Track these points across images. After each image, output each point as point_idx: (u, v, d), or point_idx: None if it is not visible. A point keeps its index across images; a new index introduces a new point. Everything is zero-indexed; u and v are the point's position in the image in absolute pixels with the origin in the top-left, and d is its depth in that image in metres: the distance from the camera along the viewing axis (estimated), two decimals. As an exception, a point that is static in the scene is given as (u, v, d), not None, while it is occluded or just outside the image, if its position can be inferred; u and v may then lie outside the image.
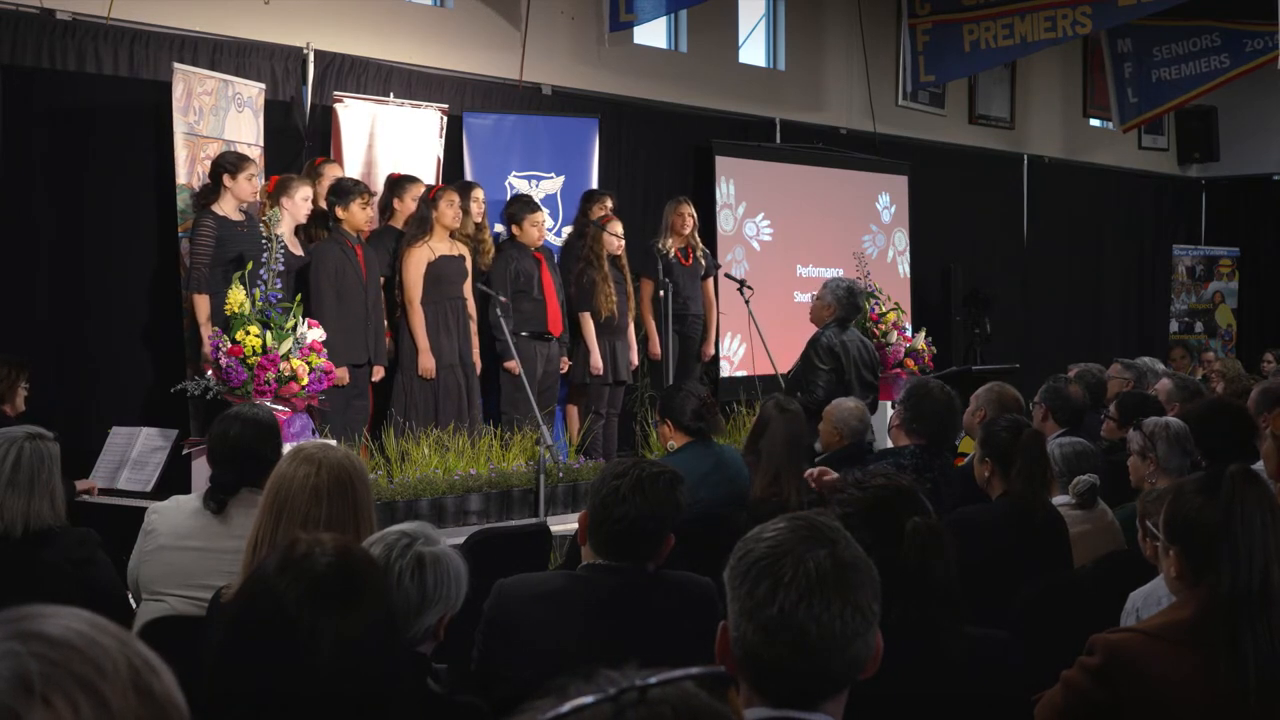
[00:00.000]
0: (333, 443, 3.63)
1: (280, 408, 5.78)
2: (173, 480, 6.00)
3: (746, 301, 7.92)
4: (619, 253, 8.08)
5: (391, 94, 8.29)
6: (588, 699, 0.93)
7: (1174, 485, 2.85)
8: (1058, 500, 4.27)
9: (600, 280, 7.89)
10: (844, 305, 7.06)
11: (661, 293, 8.02)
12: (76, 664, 0.90)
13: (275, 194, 6.74)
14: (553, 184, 8.80)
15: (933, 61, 11.66)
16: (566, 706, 0.92)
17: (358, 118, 7.90)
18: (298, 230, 6.89)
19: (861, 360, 7.11)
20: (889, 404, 7.53)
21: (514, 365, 7.24)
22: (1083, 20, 10.84)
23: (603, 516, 2.97)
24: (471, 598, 2.62)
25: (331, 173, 7.30)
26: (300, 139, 8.00)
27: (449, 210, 7.15)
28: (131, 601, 3.71)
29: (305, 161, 7.62)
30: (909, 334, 9.36)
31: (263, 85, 7.57)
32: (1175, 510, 2.52)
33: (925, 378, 5.34)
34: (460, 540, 4.32)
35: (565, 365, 7.92)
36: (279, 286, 6.17)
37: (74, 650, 0.90)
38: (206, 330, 6.34)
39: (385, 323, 7.17)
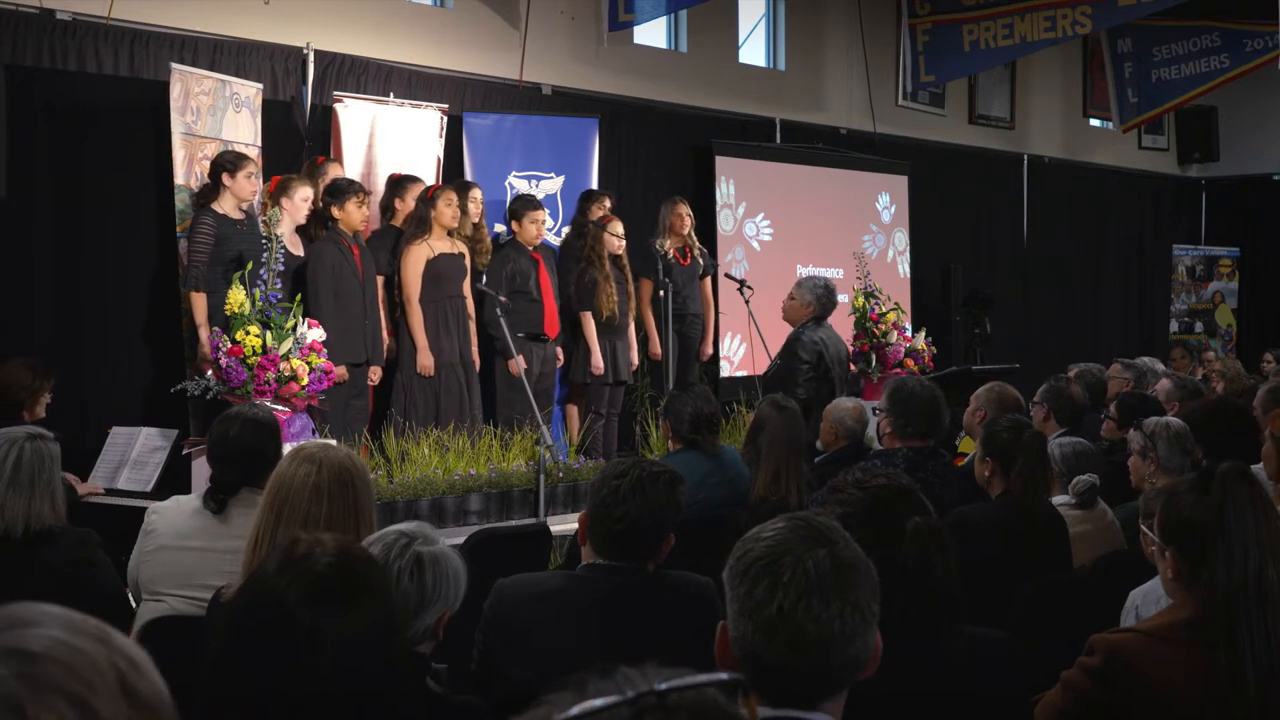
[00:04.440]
0: (333, 443, 3.63)
1: (280, 408, 5.78)
2: (173, 480, 5.99)
3: (746, 301, 7.92)
4: (620, 252, 8.08)
5: (391, 94, 8.28)
6: (602, 701, 0.93)
7: (1168, 486, 2.85)
8: (1058, 500, 4.27)
9: (602, 280, 7.88)
10: (823, 304, 7.09)
11: (661, 293, 8.03)
12: (62, 679, 0.88)
13: (276, 194, 6.75)
14: (553, 184, 8.80)
15: (933, 61, 11.66)
16: (581, 708, 0.92)
17: (358, 118, 7.90)
18: (298, 230, 6.89)
19: (840, 358, 7.16)
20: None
21: (515, 364, 7.21)
22: (1083, 20, 10.84)
23: (602, 516, 2.97)
24: (471, 598, 2.62)
25: (334, 172, 7.31)
26: (300, 139, 8.00)
27: (447, 209, 7.15)
28: (131, 601, 3.71)
29: (306, 161, 7.62)
30: (909, 334, 9.35)
31: (260, 85, 7.57)
32: (1169, 511, 2.53)
33: (901, 378, 5.29)
34: (460, 540, 4.32)
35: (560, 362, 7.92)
36: (279, 286, 6.17)
37: (58, 664, 0.88)
38: (204, 329, 6.34)
39: (385, 322, 7.18)
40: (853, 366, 8.00)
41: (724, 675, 0.98)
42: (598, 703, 0.92)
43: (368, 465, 6.29)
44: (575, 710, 0.91)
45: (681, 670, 0.97)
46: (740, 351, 9.78)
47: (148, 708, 0.92)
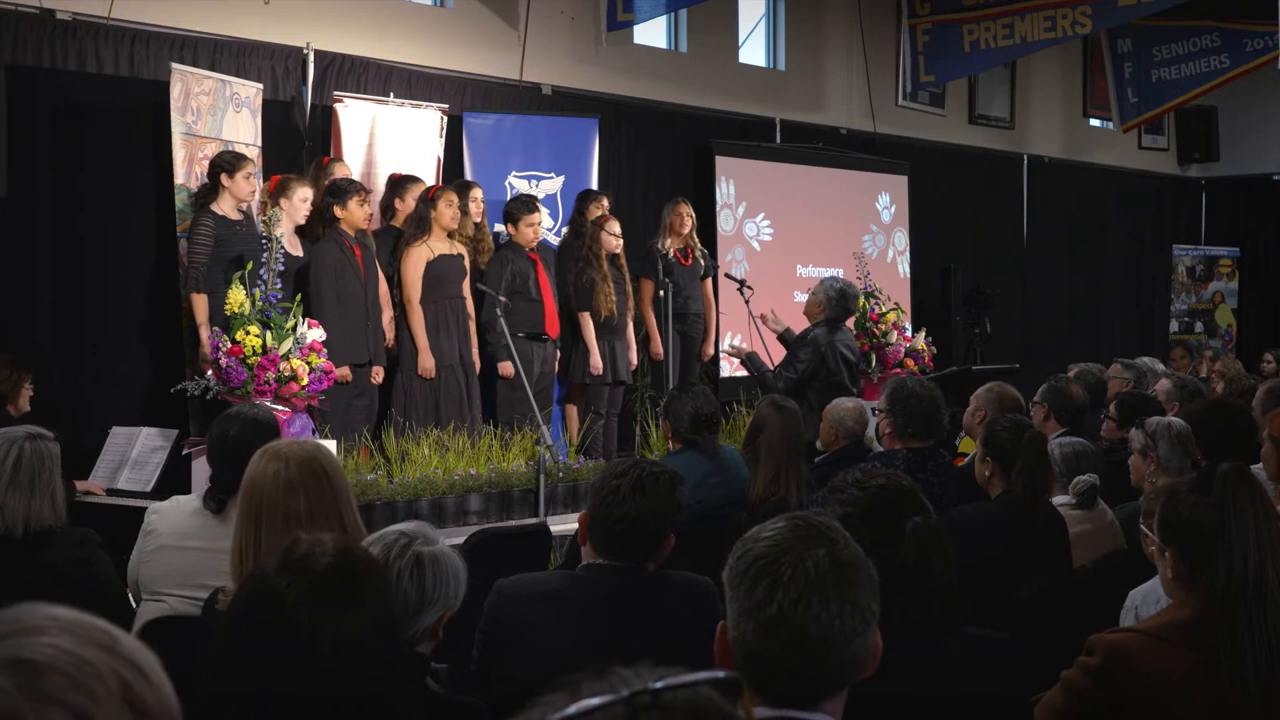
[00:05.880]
0: (302, 438, 3.62)
1: (280, 408, 5.78)
2: (173, 480, 5.99)
3: (746, 301, 7.92)
4: (618, 252, 8.08)
5: (391, 94, 8.28)
6: (597, 700, 0.92)
7: (1168, 486, 2.86)
8: (1058, 500, 4.27)
9: (600, 280, 7.88)
10: (834, 307, 7.10)
11: (662, 293, 8.03)
12: (66, 692, 0.87)
13: (275, 194, 6.75)
14: (553, 184, 8.80)
15: (933, 61, 11.66)
16: (577, 707, 0.92)
17: (358, 118, 7.90)
18: (297, 230, 6.89)
19: (849, 365, 7.14)
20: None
21: (507, 368, 7.24)
22: (1083, 20, 10.83)
23: (603, 516, 2.97)
24: (471, 598, 2.62)
25: (341, 172, 7.30)
26: (300, 139, 8.00)
27: (447, 210, 7.15)
28: (131, 601, 3.71)
29: (309, 161, 7.62)
30: (909, 334, 9.36)
31: (260, 85, 7.57)
32: (1169, 512, 2.53)
33: (901, 378, 5.29)
34: (460, 540, 4.32)
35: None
36: (279, 286, 6.17)
37: (62, 676, 0.87)
38: (205, 330, 6.34)
39: (390, 321, 7.18)
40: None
41: (719, 673, 0.98)
42: (594, 702, 0.92)
43: (367, 465, 6.32)
44: (572, 709, 0.91)
45: (676, 669, 0.96)
46: (740, 351, 9.77)
47: (152, 718, 0.91)
